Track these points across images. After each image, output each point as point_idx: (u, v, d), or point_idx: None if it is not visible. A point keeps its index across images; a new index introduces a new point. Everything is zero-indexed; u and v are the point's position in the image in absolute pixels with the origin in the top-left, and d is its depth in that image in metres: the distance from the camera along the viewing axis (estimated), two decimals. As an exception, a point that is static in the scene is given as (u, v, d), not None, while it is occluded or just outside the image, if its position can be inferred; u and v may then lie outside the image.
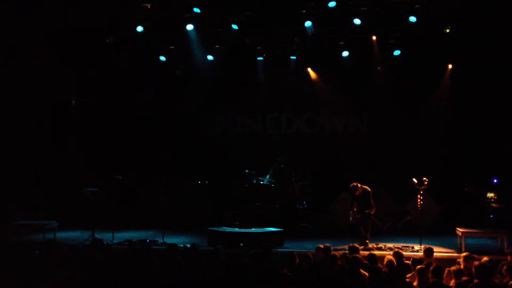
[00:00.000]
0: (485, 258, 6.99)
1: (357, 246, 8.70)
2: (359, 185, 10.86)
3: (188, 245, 9.11)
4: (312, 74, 14.36)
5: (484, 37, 12.35)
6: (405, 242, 10.91)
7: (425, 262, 7.51)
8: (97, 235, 10.98)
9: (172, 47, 13.48)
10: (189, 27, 12.87)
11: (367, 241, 10.65)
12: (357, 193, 10.86)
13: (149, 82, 14.03)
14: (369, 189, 10.92)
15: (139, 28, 12.77)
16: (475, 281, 6.16)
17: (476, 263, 6.44)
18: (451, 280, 6.73)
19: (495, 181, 12.95)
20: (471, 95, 13.11)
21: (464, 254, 7.63)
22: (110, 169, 12.68)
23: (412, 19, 12.12)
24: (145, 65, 13.55)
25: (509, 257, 7.91)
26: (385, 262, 7.48)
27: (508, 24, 12.03)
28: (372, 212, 10.88)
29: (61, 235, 11.67)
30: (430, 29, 12.40)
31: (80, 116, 14.34)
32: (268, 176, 13.05)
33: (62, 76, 13.56)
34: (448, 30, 12.32)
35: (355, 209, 10.91)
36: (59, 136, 13.69)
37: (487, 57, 12.60)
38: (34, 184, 13.05)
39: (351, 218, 11.00)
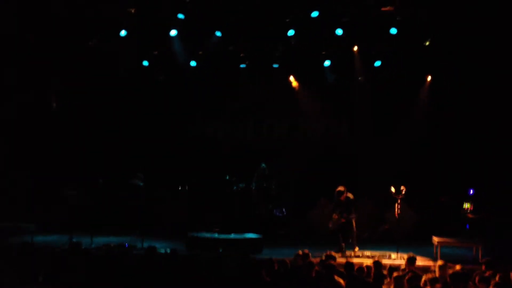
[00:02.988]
0: (457, 267, 7.12)
1: (334, 254, 8.77)
2: (345, 190, 10.97)
3: (168, 250, 9.12)
4: (294, 82, 14.50)
5: (463, 49, 12.61)
6: (382, 250, 11.04)
7: (406, 270, 7.61)
8: (75, 239, 10.90)
9: (156, 52, 13.50)
10: (173, 32, 12.92)
11: (356, 247, 10.77)
12: (342, 198, 10.94)
13: (131, 87, 14.01)
14: (352, 196, 11.05)
15: (123, 32, 12.78)
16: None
17: (451, 271, 6.57)
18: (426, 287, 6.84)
19: (471, 191, 13.17)
20: (449, 106, 13.39)
21: (439, 262, 7.76)
22: (90, 172, 12.61)
23: (393, 31, 12.35)
24: (128, 69, 13.53)
25: (483, 267, 8.06)
26: (363, 270, 7.57)
27: (485, 38, 12.29)
28: (353, 219, 10.99)
29: (38, 238, 11.56)
30: (410, 41, 12.63)
31: (61, 118, 14.24)
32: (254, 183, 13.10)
33: (44, 78, 13.49)
34: (427, 43, 12.57)
35: (335, 216, 11.00)
36: (38, 137, 13.58)
37: (466, 69, 12.87)
38: (12, 185, 12.92)
39: (330, 225, 11.09)
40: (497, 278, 6.74)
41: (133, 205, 12.42)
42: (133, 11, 12.32)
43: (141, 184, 12.60)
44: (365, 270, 7.52)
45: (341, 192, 10.96)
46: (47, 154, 13.46)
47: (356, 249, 10.83)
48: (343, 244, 10.92)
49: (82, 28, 12.68)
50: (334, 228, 11.02)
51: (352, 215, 10.95)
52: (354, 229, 10.99)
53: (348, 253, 10.68)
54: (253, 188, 12.96)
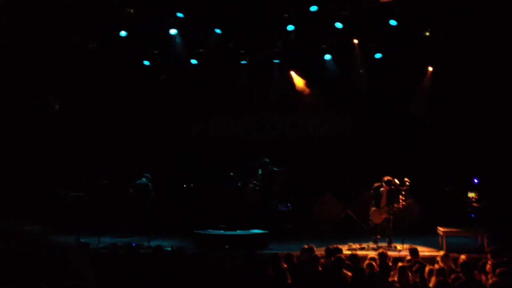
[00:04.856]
0: (462, 257, 7.16)
1: (340, 247, 8.78)
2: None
3: (174, 248, 9.18)
4: (295, 77, 14.52)
5: (463, 39, 12.59)
6: (388, 242, 11.06)
7: (411, 261, 7.65)
8: (83, 240, 10.98)
9: (156, 51, 13.54)
10: (173, 31, 12.96)
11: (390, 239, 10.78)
12: (393, 186, 10.90)
13: (133, 86, 14.07)
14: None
15: (123, 33, 12.83)
16: (463, 278, 6.30)
17: (461, 260, 6.61)
18: (431, 278, 6.89)
19: (475, 181, 13.18)
20: (451, 97, 13.37)
21: (441, 252, 7.80)
22: (95, 173, 12.66)
23: (393, 22, 12.35)
24: (129, 70, 13.59)
25: (489, 255, 8.09)
26: (367, 262, 7.62)
27: (487, 27, 12.26)
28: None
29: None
30: (410, 32, 12.63)
31: (64, 119, 14.29)
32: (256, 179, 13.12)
33: (46, 80, 13.55)
34: (428, 33, 12.55)
35: (374, 208, 10.93)
36: (43, 139, 13.65)
37: (467, 59, 12.86)
38: (18, 187, 12.98)
39: (373, 219, 11.01)
40: (502, 267, 6.78)
41: (139, 204, 12.49)
42: (132, 11, 12.34)
43: (149, 184, 12.64)
44: (370, 262, 7.56)
45: (390, 182, 10.91)
46: (51, 155, 13.50)
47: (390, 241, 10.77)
48: (378, 236, 10.93)
49: (82, 30, 12.72)
50: (378, 222, 10.95)
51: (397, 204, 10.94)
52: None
53: (354, 246, 10.70)
54: (257, 184, 12.99)
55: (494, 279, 6.30)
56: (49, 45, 13.06)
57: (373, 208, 11.11)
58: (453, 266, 7.05)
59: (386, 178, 11.04)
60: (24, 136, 13.29)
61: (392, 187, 10.94)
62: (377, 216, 11.03)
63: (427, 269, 6.81)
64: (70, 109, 14.31)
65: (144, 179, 12.66)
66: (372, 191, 11.21)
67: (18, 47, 12.68)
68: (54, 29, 12.68)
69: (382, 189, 11.02)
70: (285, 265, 7.36)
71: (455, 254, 7.63)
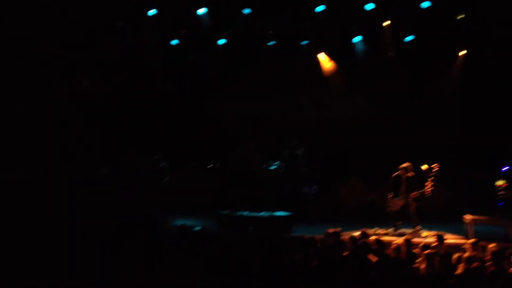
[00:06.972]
0: (492, 245, 7.02)
1: (368, 231, 8.71)
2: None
3: (199, 228, 9.20)
4: (323, 59, 14.33)
5: (498, 25, 12.25)
6: (413, 228, 10.94)
7: (436, 248, 7.56)
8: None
9: (184, 30, 13.49)
10: (201, 10, 12.88)
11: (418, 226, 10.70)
12: (410, 174, 10.80)
13: (160, 66, 14.07)
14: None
15: (152, 11, 12.80)
16: (491, 268, 6.19)
17: (492, 249, 6.50)
18: (459, 265, 6.78)
19: (505, 168, 12.93)
20: (483, 82, 13.06)
21: (471, 240, 7.68)
22: (119, 153, 12.72)
23: (425, 4, 12.06)
24: (156, 49, 13.58)
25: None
26: (393, 248, 7.54)
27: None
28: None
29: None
30: (443, 15, 12.32)
31: (91, 101, 14.35)
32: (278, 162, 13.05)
33: (74, 59, 13.59)
34: (461, 16, 12.24)
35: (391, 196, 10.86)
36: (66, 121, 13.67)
37: (500, 44, 12.51)
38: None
39: (391, 206, 10.92)
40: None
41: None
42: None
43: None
44: (396, 248, 7.48)
45: (407, 168, 10.78)
46: (78, 138, 13.57)
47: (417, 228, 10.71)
48: (399, 223, 10.83)
49: (111, 7, 12.71)
50: (396, 208, 10.86)
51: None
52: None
53: (379, 231, 10.62)
54: (283, 166, 12.91)
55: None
56: (77, 23, 13.08)
57: (391, 195, 10.99)
58: (482, 255, 6.91)
59: (403, 165, 10.89)
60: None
61: (411, 173, 10.77)
62: (394, 203, 10.92)
63: (455, 256, 6.69)
64: (97, 89, 14.33)
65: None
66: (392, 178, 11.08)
67: (47, 24, 12.72)
68: (83, 7, 12.70)
69: (395, 174, 10.86)
70: (310, 249, 7.32)
71: (483, 242, 7.48)
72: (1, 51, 12.16)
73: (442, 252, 7.33)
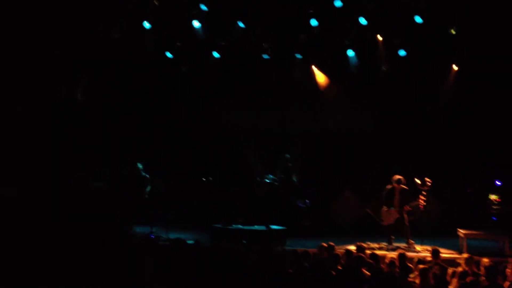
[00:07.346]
0: (485, 260, 7.03)
1: (364, 245, 8.69)
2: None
3: (192, 242, 9.17)
4: (317, 72, 14.40)
5: (489, 38, 12.35)
6: (406, 242, 10.93)
7: (433, 263, 7.55)
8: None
9: (179, 43, 13.52)
10: (196, 24, 12.93)
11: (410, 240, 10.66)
12: (402, 186, 10.79)
13: (154, 78, 14.06)
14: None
15: (147, 25, 12.83)
16: (485, 283, 6.18)
17: (487, 264, 6.50)
18: (452, 280, 6.78)
19: (498, 183, 12.97)
20: (475, 96, 13.14)
21: (465, 255, 7.68)
22: (114, 164, 12.65)
23: (418, 19, 12.16)
24: (151, 61, 13.58)
25: (510, 259, 7.94)
26: (387, 262, 7.53)
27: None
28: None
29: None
30: (435, 30, 12.42)
31: (87, 109, 14.29)
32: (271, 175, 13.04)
33: (69, 71, 13.56)
34: (453, 31, 12.35)
35: (386, 208, 10.83)
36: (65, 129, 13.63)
37: (492, 58, 12.61)
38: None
39: (385, 220, 10.90)
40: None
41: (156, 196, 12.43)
42: (156, 3, 12.33)
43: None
44: (390, 262, 7.47)
45: (400, 181, 10.78)
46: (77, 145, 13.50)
47: (411, 242, 10.66)
48: (393, 237, 10.80)
49: (106, 20, 12.73)
50: (390, 222, 10.84)
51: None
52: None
53: (373, 245, 10.60)
54: (277, 179, 12.90)
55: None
56: (72, 35, 13.08)
57: (385, 208, 10.98)
58: (475, 270, 6.92)
59: (396, 177, 10.91)
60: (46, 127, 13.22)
61: (403, 186, 10.79)
62: (387, 216, 10.90)
63: (449, 271, 6.69)
64: (93, 100, 14.29)
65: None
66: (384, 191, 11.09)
67: (40, 38, 12.70)
68: (77, 19, 12.71)
69: (387, 186, 10.86)
70: (304, 262, 7.30)
71: (477, 257, 7.48)
72: (1, 51, 12.13)
73: (437, 267, 7.33)
